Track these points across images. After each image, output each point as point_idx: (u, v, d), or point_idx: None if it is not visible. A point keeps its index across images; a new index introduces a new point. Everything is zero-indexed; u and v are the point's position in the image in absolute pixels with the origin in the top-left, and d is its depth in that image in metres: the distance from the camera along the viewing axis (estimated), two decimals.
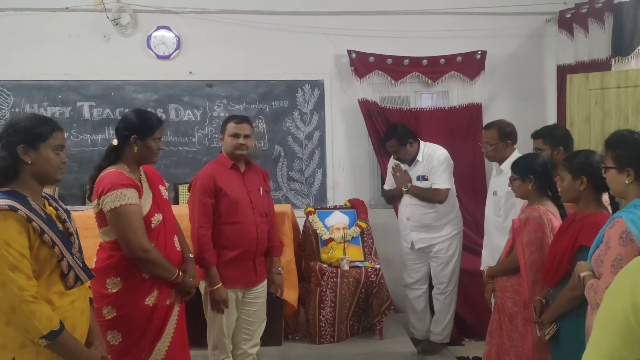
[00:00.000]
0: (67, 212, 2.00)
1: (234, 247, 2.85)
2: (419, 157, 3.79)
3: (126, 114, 2.50)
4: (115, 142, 2.42)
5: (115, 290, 2.29)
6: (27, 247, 1.73)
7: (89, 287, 2.10)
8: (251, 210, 2.90)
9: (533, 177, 2.67)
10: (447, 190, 3.75)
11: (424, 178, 3.81)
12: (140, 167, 2.47)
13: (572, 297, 2.24)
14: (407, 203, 3.89)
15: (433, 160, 3.77)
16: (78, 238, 1.99)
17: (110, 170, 2.34)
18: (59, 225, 1.89)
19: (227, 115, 4.61)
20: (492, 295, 2.85)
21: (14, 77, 4.49)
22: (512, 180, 2.77)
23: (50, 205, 1.94)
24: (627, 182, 1.93)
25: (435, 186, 3.75)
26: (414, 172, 3.84)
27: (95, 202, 2.31)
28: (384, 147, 3.98)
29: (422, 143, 3.87)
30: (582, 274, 2.02)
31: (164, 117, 4.50)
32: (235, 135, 2.90)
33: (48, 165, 1.86)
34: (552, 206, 2.64)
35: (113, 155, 2.40)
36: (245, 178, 2.97)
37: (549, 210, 2.61)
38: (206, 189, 2.81)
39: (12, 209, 1.72)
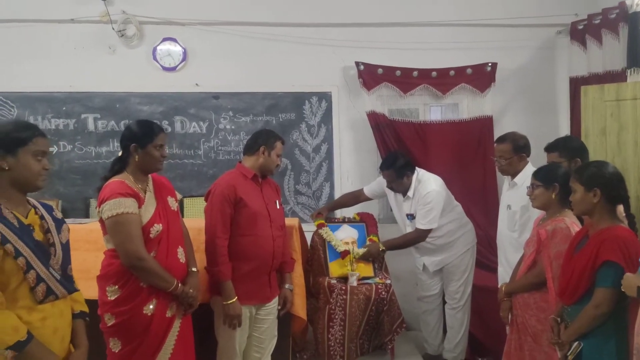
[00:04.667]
0: (59, 222, 1.93)
1: (250, 260, 2.77)
2: (410, 193, 3.68)
3: (128, 125, 2.52)
4: (120, 153, 2.43)
5: (113, 298, 2.31)
6: None
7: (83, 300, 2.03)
8: (269, 223, 2.83)
9: (558, 185, 2.58)
10: (428, 230, 3.63)
11: (412, 217, 3.71)
12: (150, 177, 2.47)
13: (596, 316, 2.16)
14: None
15: (420, 200, 3.64)
16: (65, 250, 1.90)
17: (114, 180, 2.37)
18: (39, 236, 1.81)
19: (233, 127, 4.60)
20: (509, 313, 2.74)
21: (17, 88, 4.44)
22: (534, 187, 2.67)
23: (36, 214, 1.86)
24: None
25: (418, 225, 3.64)
26: (405, 207, 3.75)
27: (97, 209, 2.34)
28: (380, 171, 3.84)
29: (415, 175, 3.69)
30: None
31: (169, 129, 4.46)
32: (280, 156, 2.94)
33: (27, 171, 1.80)
34: (575, 218, 2.55)
35: (117, 166, 2.42)
36: (263, 190, 2.91)
37: (574, 222, 2.51)
38: (227, 197, 2.72)
39: None
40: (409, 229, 3.75)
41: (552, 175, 2.64)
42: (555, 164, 2.85)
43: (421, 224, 3.61)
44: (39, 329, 1.74)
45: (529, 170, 3.16)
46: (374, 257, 3.69)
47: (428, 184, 3.65)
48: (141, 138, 2.39)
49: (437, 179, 3.72)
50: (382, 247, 3.66)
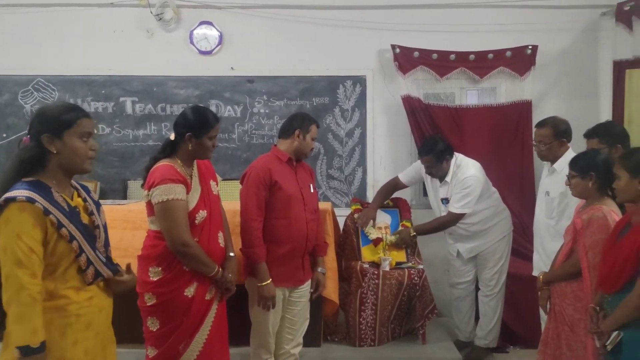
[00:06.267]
0: (97, 204, 1.97)
1: (283, 243, 2.79)
2: (448, 178, 3.62)
3: (185, 111, 2.51)
4: (172, 136, 2.45)
5: (156, 279, 2.35)
6: (39, 241, 1.69)
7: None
8: (303, 206, 2.84)
9: (594, 174, 2.51)
10: (461, 215, 3.56)
11: (447, 201, 3.64)
12: (194, 162, 2.50)
13: (639, 305, 2.09)
14: None
15: (457, 184, 3.57)
16: (106, 232, 1.95)
17: (164, 163, 2.39)
18: (85, 218, 1.85)
19: (267, 111, 4.61)
20: (548, 302, 2.69)
21: (59, 72, 4.56)
22: (570, 177, 2.62)
23: (79, 196, 1.90)
24: None
25: (451, 209, 3.58)
26: (442, 192, 3.68)
27: (146, 192, 2.38)
28: (418, 156, 3.79)
29: (454, 159, 3.64)
30: None
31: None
32: (314, 139, 2.94)
33: (74, 155, 1.80)
34: (615, 206, 2.48)
35: (169, 149, 2.44)
36: (298, 173, 2.92)
37: (612, 210, 2.44)
38: (262, 181, 2.74)
39: (30, 200, 1.67)
40: (443, 214, 3.71)
41: (588, 164, 2.57)
42: (592, 152, 2.78)
43: (455, 207, 3.56)
44: (86, 308, 1.79)
45: (569, 156, 3.07)
46: (407, 244, 3.67)
47: (467, 169, 3.58)
48: (197, 129, 2.40)
49: (476, 164, 3.65)
50: (413, 232, 3.63)
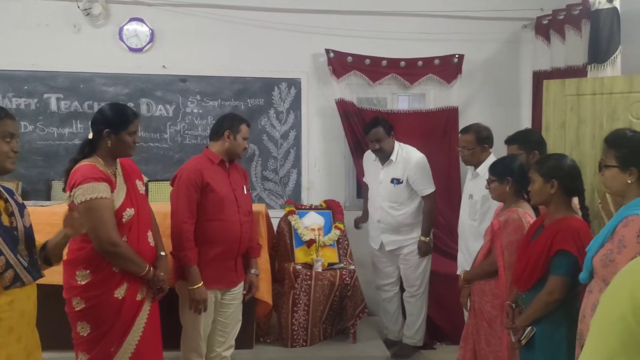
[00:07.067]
0: (21, 206, 1.91)
1: (216, 245, 2.77)
2: (393, 157, 3.77)
3: (102, 107, 2.46)
4: (90, 135, 2.38)
5: (84, 283, 2.28)
6: None
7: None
8: (236, 208, 2.83)
9: (511, 179, 2.67)
10: (433, 192, 3.80)
11: (398, 181, 3.77)
12: (117, 161, 2.44)
13: (549, 302, 2.25)
14: (378, 206, 3.86)
15: (411, 166, 3.72)
16: (29, 234, 1.88)
17: (84, 163, 2.32)
18: (5, 219, 1.79)
19: (200, 111, 4.56)
20: (468, 299, 2.83)
21: None
22: (489, 182, 2.77)
23: (0, 197, 1.84)
24: (629, 181, 1.93)
25: (423, 193, 3.77)
26: (387, 172, 3.81)
27: (67, 194, 2.30)
28: (366, 135, 3.90)
29: (396, 143, 3.85)
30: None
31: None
32: (246, 139, 2.91)
33: None
34: (529, 208, 2.65)
35: (88, 149, 2.38)
36: (231, 175, 2.91)
37: (527, 212, 2.61)
38: (193, 183, 2.72)
39: None
40: (379, 200, 3.82)
41: (505, 169, 2.74)
42: (509, 157, 2.94)
43: (425, 191, 3.76)
44: (7, 312, 1.73)
45: (491, 161, 3.25)
46: (429, 251, 3.82)
47: (412, 151, 3.83)
48: (115, 124, 2.35)
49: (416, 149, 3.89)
50: (426, 239, 3.77)
